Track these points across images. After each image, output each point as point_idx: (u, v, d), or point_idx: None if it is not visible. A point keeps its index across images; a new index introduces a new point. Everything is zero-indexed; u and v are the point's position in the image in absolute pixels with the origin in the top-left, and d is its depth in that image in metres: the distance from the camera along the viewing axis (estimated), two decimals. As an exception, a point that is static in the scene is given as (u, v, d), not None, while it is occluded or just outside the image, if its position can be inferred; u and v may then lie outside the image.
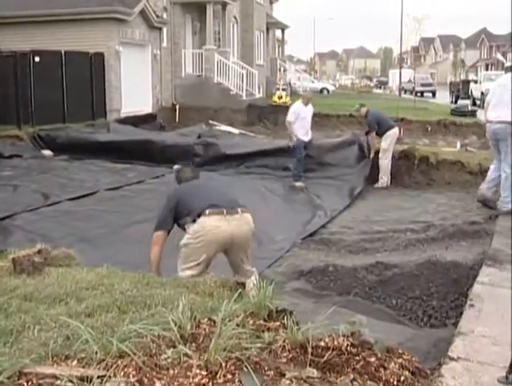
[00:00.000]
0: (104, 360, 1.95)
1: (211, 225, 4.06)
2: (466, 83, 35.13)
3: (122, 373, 1.89)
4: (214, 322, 2.29)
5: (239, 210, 4.20)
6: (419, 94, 38.84)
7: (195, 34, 24.14)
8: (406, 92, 42.67)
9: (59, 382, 1.82)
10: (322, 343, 2.15)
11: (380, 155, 10.48)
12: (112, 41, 17.24)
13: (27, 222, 7.03)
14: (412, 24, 53.07)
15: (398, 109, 19.51)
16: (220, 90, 21.97)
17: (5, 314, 2.63)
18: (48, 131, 13.53)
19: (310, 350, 2.09)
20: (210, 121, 18.75)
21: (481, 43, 76.68)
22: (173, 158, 11.51)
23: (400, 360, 2.18)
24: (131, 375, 1.88)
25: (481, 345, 2.97)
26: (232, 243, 4.15)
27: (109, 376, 1.86)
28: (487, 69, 61.79)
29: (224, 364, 1.94)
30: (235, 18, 27.37)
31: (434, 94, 43.13)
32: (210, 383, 1.87)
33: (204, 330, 2.23)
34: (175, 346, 2.06)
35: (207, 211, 4.08)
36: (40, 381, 1.86)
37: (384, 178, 10.45)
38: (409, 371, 2.15)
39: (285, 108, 18.67)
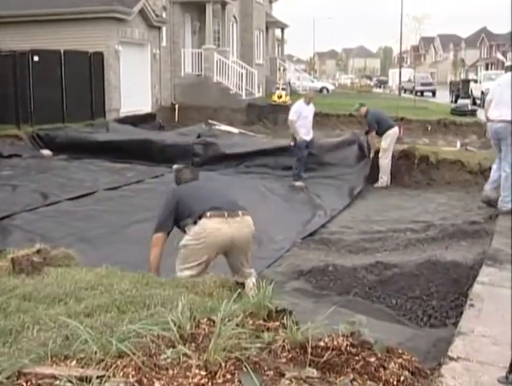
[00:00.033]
0: (103, 360, 1.95)
1: (212, 227, 4.05)
2: (466, 82, 35.13)
3: (122, 373, 1.88)
4: (213, 322, 2.29)
5: (240, 212, 4.19)
6: (418, 93, 38.82)
7: (194, 33, 24.13)
8: (406, 91, 42.63)
9: (58, 382, 1.82)
10: (322, 343, 2.14)
11: (380, 155, 10.48)
12: (111, 40, 17.24)
13: (26, 222, 7.03)
14: (412, 23, 53.09)
15: (398, 109, 19.51)
16: (219, 89, 21.96)
17: (4, 314, 2.62)
18: (47, 131, 13.53)
19: (309, 350, 2.09)
20: (209, 121, 18.75)
21: (481, 42, 76.67)
22: (172, 157, 11.50)
23: (400, 360, 2.17)
24: (130, 376, 1.88)
25: (481, 345, 2.97)
26: (232, 245, 4.14)
27: (109, 376, 1.85)
28: (487, 68, 61.81)
29: (223, 364, 1.93)
30: (234, 17, 27.37)
31: (434, 93, 43.11)
32: (209, 384, 1.86)
33: (204, 330, 2.23)
34: (174, 347, 2.06)
35: (208, 214, 4.07)
36: (39, 381, 1.85)
37: (384, 178, 10.45)
38: (409, 371, 2.14)
39: (284, 108, 18.74)
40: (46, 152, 12.65)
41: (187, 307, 2.34)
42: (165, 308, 2.51)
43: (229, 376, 1.90)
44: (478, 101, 28.24)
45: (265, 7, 31.78)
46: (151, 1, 19.65)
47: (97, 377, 1.84)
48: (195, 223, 4.10)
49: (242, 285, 3.47)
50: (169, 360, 1.98)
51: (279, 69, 31.47)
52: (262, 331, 2.26)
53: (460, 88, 33.60)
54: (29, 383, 1.85)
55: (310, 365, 2.05)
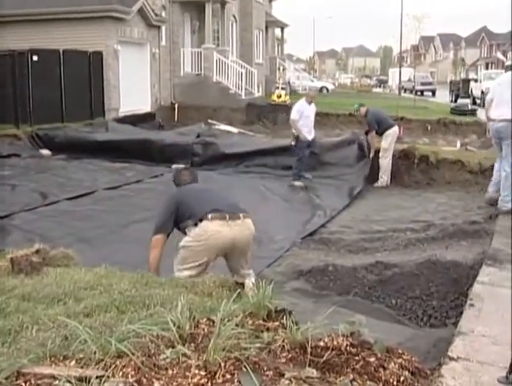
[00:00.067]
0: (102, 360, 1.95)
1: (213, 230, 4.03)
2: (466, 82, 35.12)
3: (121, 373, 1.88)
4: (213, 322, 2.28)
5: (241, 215, 4.18)
6: (418, 93, 38.83)
7: (194, 32, 24.12)
8: (405, 90, 42.62)
9: (57, 382, 1.82)
10: (321, 343, 2.14)
11: (380, 154, 10.47)
12: (110, 40, 17.22)
13: (25, 221, 7.02)
14: (412, 23, 53.20)
15: (398, 108, 19.49)
16: (219, 89, 21.95)
17: (3, 314, 2.62)
18: (46, 130, 13.51)
19: (309, 350, 2.08)
20: (209, 120, 18.74)
21: (481, 41, 76.64)
22: (172, 157, 11.53)
23: (400, 360, 2.17)
24: (130, 376, 1.87)
25: (481, 345, 2.96)
26: (233, 247, 4.14)
27: (108, 376, 1.85)
28: (487, 68, 61.78)
29: (223, 364, 1.93)
30: (234, 16, 27.37)
31: (434, 93, 43.11)
32: (209, 384, 1.86)
33: (203, 330, 2.23)
34: (173, 347, 2.05)
35: (209, 216, 4.05)
36: (38, 381, 1.85)
37: (384, 178, 10.45)
38: (409, 371, 2.14)
39: (284, 107, 18.75)
40: (45, 152, 12.64)
41: (187, 307, 2.33)
42: (164, 308, 2.51)
43: (228, 376, 1.89)
44: (478, 101, 28.25)
45: (264, 6, 31.77)
46: (150, 0, 19.63)
47: (97, 377, 1.83)
48: (196, 225, 4.08)
49: (242, 285, 3.47)
50: (168, 360, 1.97)
51: (279, 69, 31.43)
52: (262, 331, 2.25)
53: (460, 88, 33.59)
54: (28, 384, 1.84)
55: (310, 365, 2.04)
